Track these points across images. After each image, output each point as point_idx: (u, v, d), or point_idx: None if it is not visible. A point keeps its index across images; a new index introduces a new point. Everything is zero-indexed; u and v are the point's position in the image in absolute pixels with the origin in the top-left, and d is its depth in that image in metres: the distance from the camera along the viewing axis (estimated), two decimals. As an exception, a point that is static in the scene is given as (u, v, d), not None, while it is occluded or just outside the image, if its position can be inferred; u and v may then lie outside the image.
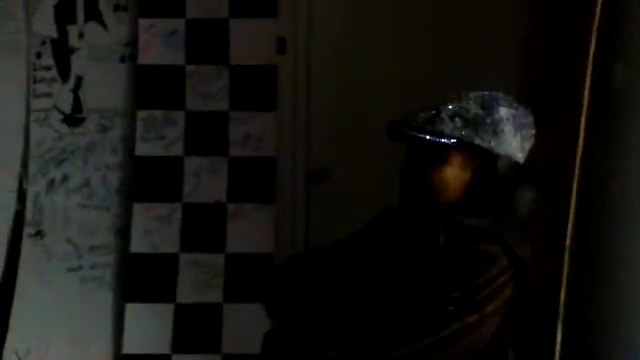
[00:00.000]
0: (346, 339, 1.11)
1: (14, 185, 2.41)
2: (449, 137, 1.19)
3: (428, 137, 1.20)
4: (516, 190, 1.22)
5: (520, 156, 1.24)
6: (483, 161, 1.21)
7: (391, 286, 1.18)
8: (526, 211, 1.23)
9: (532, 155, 1.29)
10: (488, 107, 1.22)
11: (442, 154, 1.21)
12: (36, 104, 2.42)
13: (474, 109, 1.21)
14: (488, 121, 1.20)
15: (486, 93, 1.26)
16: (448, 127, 1.20)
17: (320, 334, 1.14)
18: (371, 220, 1.35)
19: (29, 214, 2.40)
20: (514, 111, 1.24)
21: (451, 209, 1.22)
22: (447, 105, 1.23)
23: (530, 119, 1.27)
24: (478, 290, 1.12)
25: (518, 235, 1.21)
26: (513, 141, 1.22)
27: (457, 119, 1.20)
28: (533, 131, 1.27)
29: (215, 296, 2.29)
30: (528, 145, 1.26)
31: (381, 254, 1.25)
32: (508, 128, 1.21)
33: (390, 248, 1.25)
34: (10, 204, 2.41)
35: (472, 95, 1.25)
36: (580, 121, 1.58)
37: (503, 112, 1.22)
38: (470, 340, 1.11)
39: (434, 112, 1.22)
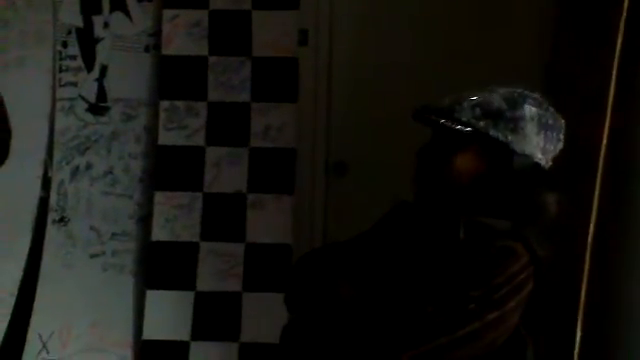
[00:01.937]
0: (364, 336, 1.12)
1: (39, 172, 2.45)
2: (465, 125, 1.18)
3: (442, 121, 1.18)
4: (533, 190, 1.20)
5: (541, 157, 1.21)
6: (499, 156, 1.19)
7: (410, 282, 1.17)
8: (548, 214, 1.21)
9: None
10: (513, 103, 1.20)
11: (458, 142, 1.20)
12: (61, 93, 2.45)
13: (497, 102, 1.19)
14: (509, 116, 1.18)
15: (518, 90, 1.23)
16: (467, 116, 1.18)
17: (338, 330, 1.15)
18: (387, 214, 1.35)
19: (53, 201, 2.44)
20: (542, 111, 1.21)
21: (464, 201, 1.21)
22: (471, 96, 1.22)
23: (560, 122, 1.24)
24: (499, 288, 1.11)
25: (539, 236, 1.19)
26: (534, 140, 1.19)
27: (477, 109, 1.19)
28: (561, 136, 1.24)
29: (234, 285, 2.32)
30: (552, 147, 1.23)
31: (399, 250, 1.24)
32: (530, 127, 1.19)
33: (408, 243, 1.24)
34: (35, 191, 2.45)
35: (502, 90, 1.23)
36: (605, 119, 1.56)
37: (527, 110, 1.19)
38: (490, 337, 1.11)
39: (458, 100, 1.21)
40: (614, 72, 1.58)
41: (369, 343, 1.11)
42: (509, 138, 1.19)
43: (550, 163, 1.25)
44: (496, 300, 1.11)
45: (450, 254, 1.17)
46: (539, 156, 1.22)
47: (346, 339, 1.13)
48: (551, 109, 1.24)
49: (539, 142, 1.21)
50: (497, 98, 1.21)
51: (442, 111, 1.20)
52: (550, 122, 1.22)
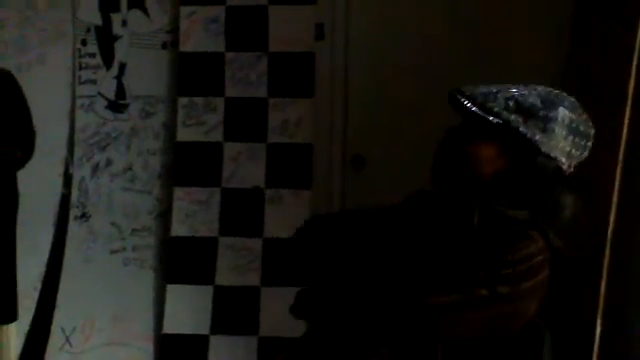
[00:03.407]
0: (372, 292, 1.11)
1: (60, 169, 2.49)
2: (496, 116, 1.17)
3: (474, 109, 1.17)
4: (552, 190, 1.19)
5: (564, 161, 1.20)
6: (523, 152, 1.17)
7: (419, 262, 1.17)
8: (565, 215, 1.20)
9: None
10: (548, 103, 1.19)
11: (485, 131, 1.18)
12: (81, 90, 2.48)
13: (533, 99, 1.18)
14: (541, 114, 1.17)
15: (555, 91, 1.22)
16: (499, 107, 1.17)
17: (343, 301, 1.14)
18: (405, 200, 1.35)
19: (75, 197, 2.47)
20: (575, 116, 1.20)
21: (481, 191, 1.20)
22: (510, 88, 1.21)
23: (590, 131, 1.23)
24: (510, 265, 1.10)
25: (555, 232, 1.19)
26: (561, 143, 1.18)
27: (511, 102, 1.18)
28: (589, 144, 1.23)
29: (253, 279, 2.34)
30: (578, 154, 1.22)
31: (412, 233, 1.24)
32: (560, 130, 1.18)
33: (422, 228, 1.24)
34: (57, 187, 2.49)
35: (540, 88, 1.22)
36: (625, 112, 1.54)
37: (561, 113, 1.18)
38: (501, 312, 1.10)
39: (494, 90, 1.20)
40: (634, 63, 1.56)
41: (375, 299, 1.10)
42: (537, 137, 1.18)
43: (572, 169, 1.23)
44: (506, 276, 1.09)
45: (463, 238, 1.17)
46: (563, 160, 1.20)
47: (351, 311, 1.13)
48: (584, 116, 1.23)
49: (565, 146, 1.20)
50: (534, 95, 1.20)
51: (475, 98, 1.19)
52: (581, 128, 1.21)
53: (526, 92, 1.21)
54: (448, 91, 1.21)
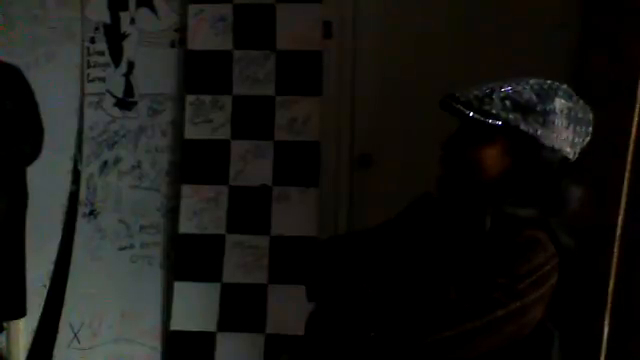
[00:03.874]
0: (387, 322, 1.12)
1: (69, 166, 2.50)
2: (495, 118, 1.16)
3: (472, 114, 1.16)
4: (560, 184, 1.19)
5: (569, 150, 1.19)
6: (527, 149, 1.17)
7: (434, 272, 1.18)
8: (571, 206, 1.19)
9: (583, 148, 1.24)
10: (544, 95, 1.17)
11: (486, 134, 1.18)
12: (90, 88, 2.50)
13: (528, 95, 1.17)
14: (539, 109, 1.16)
15: (548, 82, 1.20)
16: (496, 108, 1.16)
17: (361, 318, 1.15)
18: (409, 205, 1.35)
19: (83, 194, 2.49)
20: (572, 104, 1.19)
21: (490, 193, 1.19)
22: (502, 86, 1.19)
23: (589, 116, 1.22)
24: (523, 278, 1.10)
25: (562, 226, 1.18)
26: (563, 134, 1.17)
27: (507, 102, 1.16)
28: (590, 129, 1.22)
29: (260, 277, 2.35)
30: (581, 141, 1.21)
31: (423, 241, 1.25)
32: (560, 120, 1.17)
33: (433, 234, 1.24)
34: (65, 185, 2.50)
35: (532, 81, 1.20)
36: (634, 117, 1.54)
37: (558, 103, 1.17)
38: (512, 328, 1.10)
39: (487, 91, 1.18)
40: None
41: (392, 328, 1.11)
42: (539, 132, 1.17)
43: (577, 156, 1.23)
44: (520, 290, 1.10)
45: (476, 245, 1.16)
46: (567, 150, 1.20)
47: (369, 326, 1.13)
48: (581, 102, 1.22)
49: (568, 136, 1.19)
50: (527, 90, 1.19)
51: (471, 103, 1.18)
52: (580, 115, 1.20)
53: (519, 88, 1.19)
54: (441, 99, 1.19)
